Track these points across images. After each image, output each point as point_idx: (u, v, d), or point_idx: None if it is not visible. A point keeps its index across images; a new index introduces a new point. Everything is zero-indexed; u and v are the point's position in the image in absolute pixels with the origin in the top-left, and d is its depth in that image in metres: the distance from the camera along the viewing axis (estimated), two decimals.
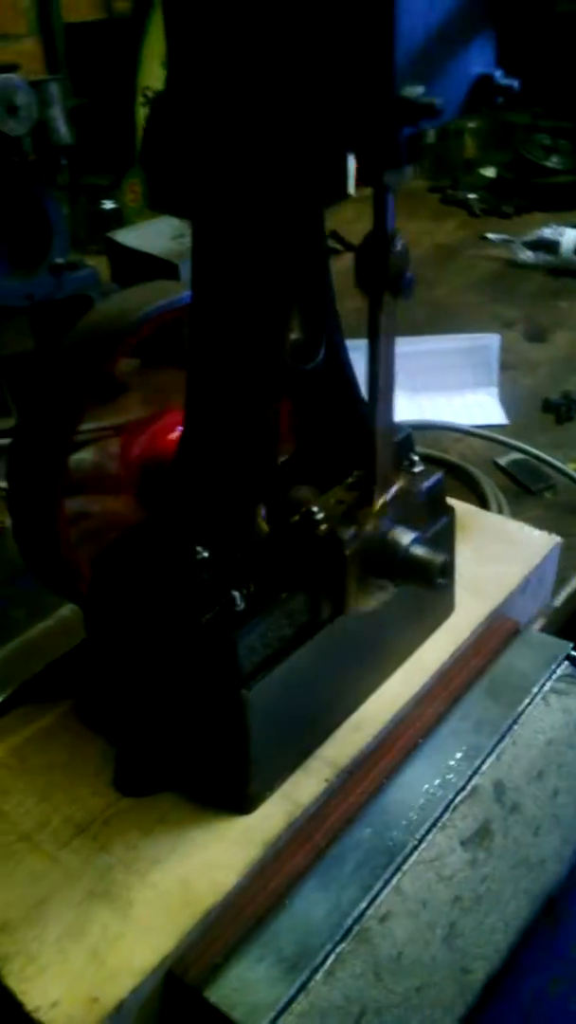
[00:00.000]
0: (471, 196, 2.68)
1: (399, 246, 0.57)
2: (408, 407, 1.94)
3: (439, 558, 0.66)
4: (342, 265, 2.45)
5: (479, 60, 0.52)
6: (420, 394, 2.00)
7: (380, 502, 0.66)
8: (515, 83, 0.52)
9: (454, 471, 1.69)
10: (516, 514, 1.54)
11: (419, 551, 0.67)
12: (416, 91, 0.47)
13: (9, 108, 1.57)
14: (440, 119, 0.47)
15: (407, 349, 2.04)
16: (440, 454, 1.73)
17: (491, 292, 2.31)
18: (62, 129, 1.69)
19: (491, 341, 1.98)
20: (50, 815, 0.71)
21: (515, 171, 2.69)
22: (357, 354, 1.93)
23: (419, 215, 2.69)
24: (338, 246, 2.47)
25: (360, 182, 0.54)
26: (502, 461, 1.71)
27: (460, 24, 0.49)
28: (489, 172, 2.77)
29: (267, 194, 0.58)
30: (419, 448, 1.70)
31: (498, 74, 0.52)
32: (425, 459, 1.66)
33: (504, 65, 0.53)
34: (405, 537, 0.67)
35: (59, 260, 1.79)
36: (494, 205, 2.64)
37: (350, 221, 2.67)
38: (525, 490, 1.62)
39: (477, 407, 1.95)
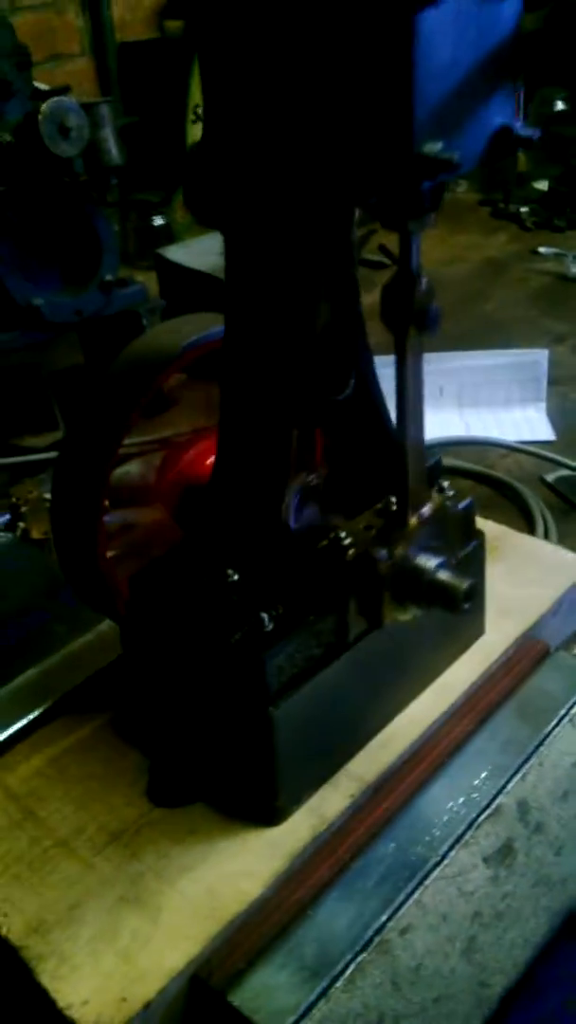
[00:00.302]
0: (523, 209, 2.68)
1: (424, 284, 0.59)
2: (456, 422, 1.96)
3: (464, 583, 0.68)
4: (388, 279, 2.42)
5: (500, 112, 0.54)
6: (467, 409, 2.02)
7: (413, 522, 0.68)
8: (534, 134, 0.54)
9: (500, 487, 1.70)
10: (562, 531, 1.55)
11: (444, 576, 0.69)
12: (435, 147, 0.49)
13: (61, 129, 1.62)
14: (458, 172, 0.50)
15: (455, 364, 2.07)
16: (486, 470, 1.75)
17: (542, 306, 2.31)
18: (113, 150, 1.73)
19: (539, 356, 1.98)
20: (86, 823, 0.75)
21: (568, 184, 2.68)
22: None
23: (469, 229, 2.70)
24: (386, 260, 2.49)
25: (384, 227, 0.56)
26: (549, 478, 1.71)
27: (481, 80, 0.52)
28: (541, 185, 2.76)
29: (297, 230, 0.61)
30: (465, 463, 1.73)
31: (518, 125, 0.54)
32: (471, 475, 1.68)
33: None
34: (431, 562, 0.69)
35: (108, 277, 1.83)
36: (546, 219, 2.64)
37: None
38: (572, 507, 1.62)
39: (525, 423, 1.96)
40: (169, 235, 2.33)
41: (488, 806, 0.77)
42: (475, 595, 0.68)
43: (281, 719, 0.69)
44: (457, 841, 0.74)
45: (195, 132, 2.38)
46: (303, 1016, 0.64)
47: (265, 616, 0.68)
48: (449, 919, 0.71)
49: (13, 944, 0.67)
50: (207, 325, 0.74)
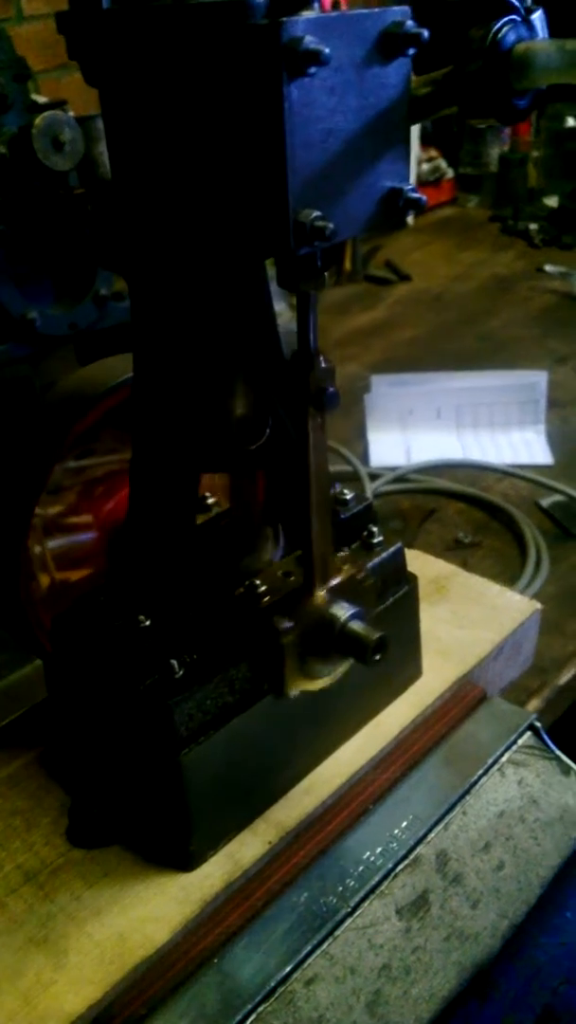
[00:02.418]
0: (532, 226, 2.67)
1: (323, 363, 0.59)
2: (453, 443, 1.95)
3: (375, 635, 0.68)
4: (398, 294, 2.48)
5: (388, 176, 0.54)
6: (465, 430, 2.01)
7: (319, 593, 0.68)
8: (423, 198, 0.54)
9: (494, 511, 1.70)
10: (555, 557, 1.54)
11: (356, 627, 0.69)
12: (310, 215, 0.49)
13: (55, 143, 1.62)
14: (333, 240, 0.49)
15: (454, 384, 2.06)
16: (480, 493, 1.74)
17: (546, 326, 2.30)
18: (108, 164, 1.73)
19: (539, 379, 1.97)
20: (4, 861, 0.75)
21: None
22: (401, 388, 1.94)
23: (477, 245, 2.70)
24: (392, 276, 2.49)
25: (280, 285, 0.56)
26: (544, 503, 1.70)
27: (365, 145, 0.51)
28: (552, 202, 2.75)
29: (200, 281, 0.61)
30: (460, 486, 1.72)
31: (408, 188, 0.54)
32: (465, 498, 1.67)
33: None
34: (343, 612, 0.69)
35: (103, 291, 1.84)
36: (555, 236, 2.62)
37: (407, 251, 2.69)
38: (566, 533, 1.61)
39: (523, 445, 1.95)
40: None
41: (406, 856, 0.76)
42: (386, 647, 0.67)
43: (191, 765, 0.69)
44: (371, 891, 0.74)
45: None
46: None
47: (175, 663, 0.68)
48: (356, 971, 0.70)
49: None
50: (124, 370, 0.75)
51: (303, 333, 0.58)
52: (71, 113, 1.68)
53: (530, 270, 2.53)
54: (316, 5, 0.48)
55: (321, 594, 0.67)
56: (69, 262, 1.84)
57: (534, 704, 1.20)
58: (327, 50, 0.46)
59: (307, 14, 0.48)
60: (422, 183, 2.81)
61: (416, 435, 1.98)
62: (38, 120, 1.63)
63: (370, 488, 1.72)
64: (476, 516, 1.71)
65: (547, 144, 2.74)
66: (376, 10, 0.50)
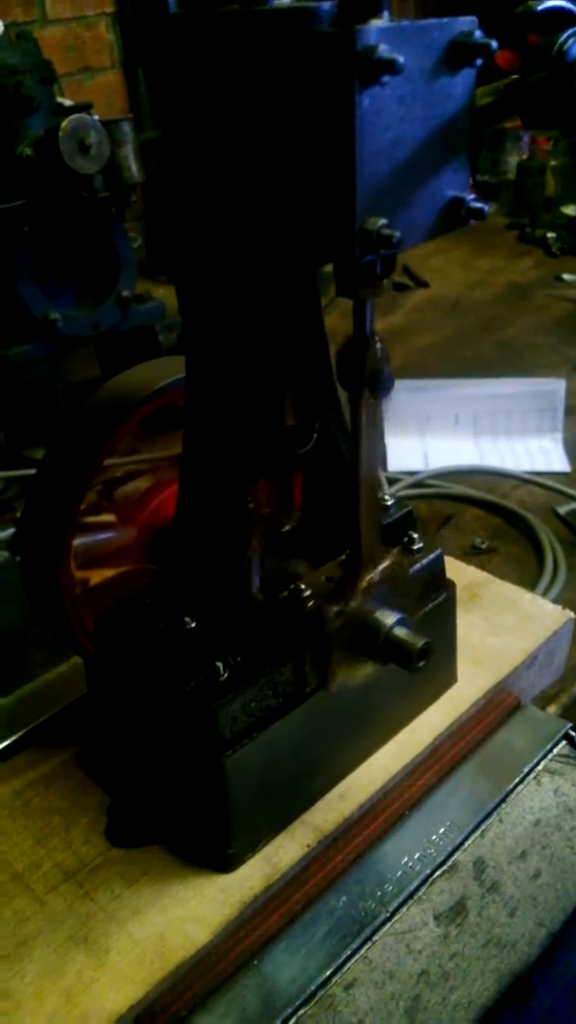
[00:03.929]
0: (550, 235, 2.67)
1: (377, 347, 0.60)
2: (470, 450, 1.95)
3: (420, 642, 0.68)
4: (415, 300, 2.48)
5: (451, 185, 0.54)
6: (483, 437, 2.01)
7: (364, 582, 0.68)
8: (485, 207, 0.54)
9: (512, 517, 1.70)
10: (572, 564, 1.54)
11: (401, 633, 0.69)
12: (377, 223, 0.49)
13: (81, 146, 1.63)
14: (399, 248, 0.50)
15: (471, 391, 2.07)
16: (498, 500, 1.74)
17: (563, 334, 2.30)
18: (133, 167, 1.74)
19: (557, 386, 1.97)
20: (43, 859, 0.76)
21: None
22: (419, 394, 1.94)
23: (494, 252, 2.70)
24: (409, 282, 2.49)
25: (339, 294, 0.56)
26: (561, 510, 1.70)
27: (430, 155, 0.52)
28: (569, 210, 2.75)
29: (257, 287, 0.61)
30: (477, 492, 1.72)
31: (470, 198, 0.54)
32: (483, 504, 1.67)
33: None
34: (389, 618, 0.69)
35: (126, 292, 1.85)
36: (572, 244, 2.63)
37: (424, 257, 2.69)
38: None
39: (540, 453, 1.95)
40: None
41: (444, 863, 0.76)
42: (430, 655, 0.67)
43: (234, 767, 0.69)
44: (409, 897, 0.74)
45: None
46: None
47: (220, 665, 0.68)
48: (395, 977, 0.70)
49: None
50: (173, 372, 0.75)
51: (359, 318, 0.58)
52: (96, 117, 1.69)
53: (548, 278, 2.53)
54: (386, 14, 0.48)
55: (366, 583, 0.67)
56: (92, 264, 1.85)
57: (551, 710, 1.20)
58: (401, 59, 0.46)
59: (377, 22, 0.48)
60: None
61: (434, 441, 1.99)
62: (64, 123, 1.64)
63: (388, 493, 1.72)
64: (493, 522, 1.71)
65: (566, 153, 2.75)
66: (445, 20, 0.50)
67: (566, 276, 2.48)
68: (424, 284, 2.50)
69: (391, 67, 0.46)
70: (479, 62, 0.52)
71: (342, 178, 0.48)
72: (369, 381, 0.60)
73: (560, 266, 2.55)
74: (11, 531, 1.58)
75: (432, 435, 2.00)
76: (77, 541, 0.80)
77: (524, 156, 2.85)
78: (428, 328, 2.34)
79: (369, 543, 0.68)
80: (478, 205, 0.54)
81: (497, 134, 2.78)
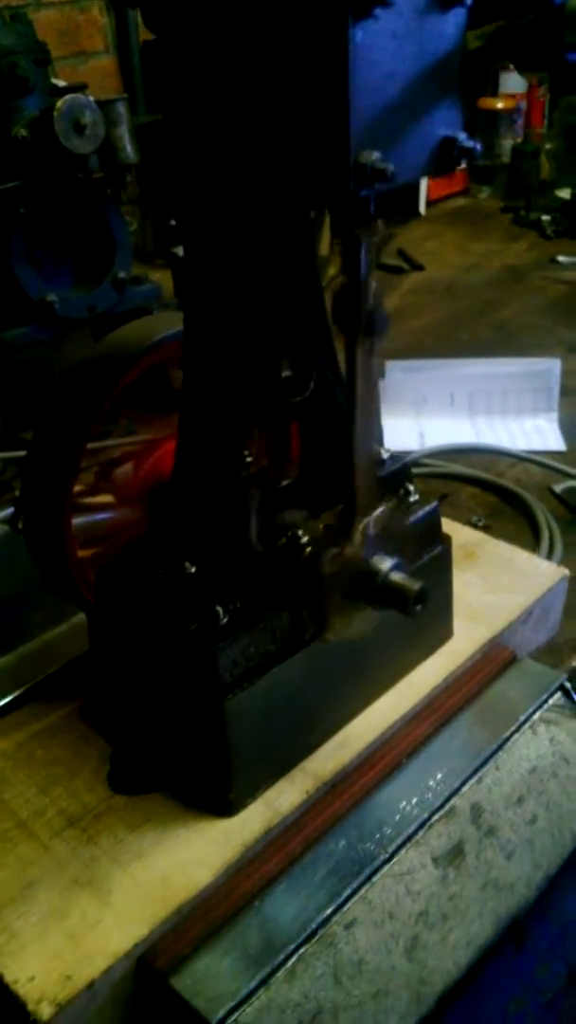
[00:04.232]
0: (544, 218, 2.68)
1: (372, 290, 0.61)
2: (466, 429, 1.96)
3: (416, 585, 0.69)
4: (410, 283, 2.48)
5: (443, 124, 0.55)
6: (478, 417, 2.02)
7: (358, 530, 0.70)
8: (477, 146, 0.55)
9: (507, 496, 1.71)
10: (568, 542, 1.55)
11: (397, 577, 0.70)
12: (371, 156, 0.50)
13: (76, 126, 1.64)
14: (394, 182, 0.51)
15: (466, 371, 2.08)
16: (494, 478, 1.75)
17: (558, 315, 2.31)
18: (128, 148, 1.75)
19: (552, 365, 1.97)
20: (46, 806, 0.77)
21: None
22: (415, 374, 1.94)
23: (490, 236, 2.71)
24: (404, 265, 2.50)
25: (335, 235, 0.57)
26: (557, 488, 1.71)
27: (422, 92, 0.53)
28: (564, 194, 2.76)
29: (253, 231, 0.62)
30: (473, 471, 1.73)
31: (462, 137, 0.55)
32: (478, 483, 1.67)
33: None
34: (384, 563, 0.70)
35: (122, 274, 1.86)
36: (567, 227, 2.63)
37: (419, 240, 2.70)
38: None
39: (536, 432, 1.96)
40: None
41: (441, 807, 0.78)
42: (427, 598, 0.69)
43: (234, 711, 0.71)
44: (408, 840, 0.75)
45: None
46: (242, 1003, 0.66)
47: (220, 609, 0.69)
48: (394, 916, 0.72)
49: None
50: (168, 325, 0.76)
51: (353, 266, 0.59)
52: (91, 97, 1.70)
53: (543, 260, 2.53)
54: None
55: (360, 535, 0.69)
56: (88, 246, 1.86)
57: None
58: None
59: None
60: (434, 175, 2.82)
61: (430, 421, 1.99)
62: (59, 103, 1.64)
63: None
64: (489, 500, 1.72)
65: (560, 136, 2.75)
66: None
67: (561, 258, 2.49)
68: (419, 267, 2.51)
69: (383, 0, 0.47)
70: (469, 2, 0.53)
71: (336, 111, 0.50)
72: (365, 323, 0.61)
73: (555, 248, 2.55)
74: (10, 510, 1.58)
75: (428, 415, 2.01)
76: (76, 521, 0.81)
77: (519, 140, 2.86)
78: (423, 311, 2.34)
79: (364, 490, 0.69)
80: (470, 144, 0.55)
81: (491, 117, 2.78)
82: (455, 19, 0.53)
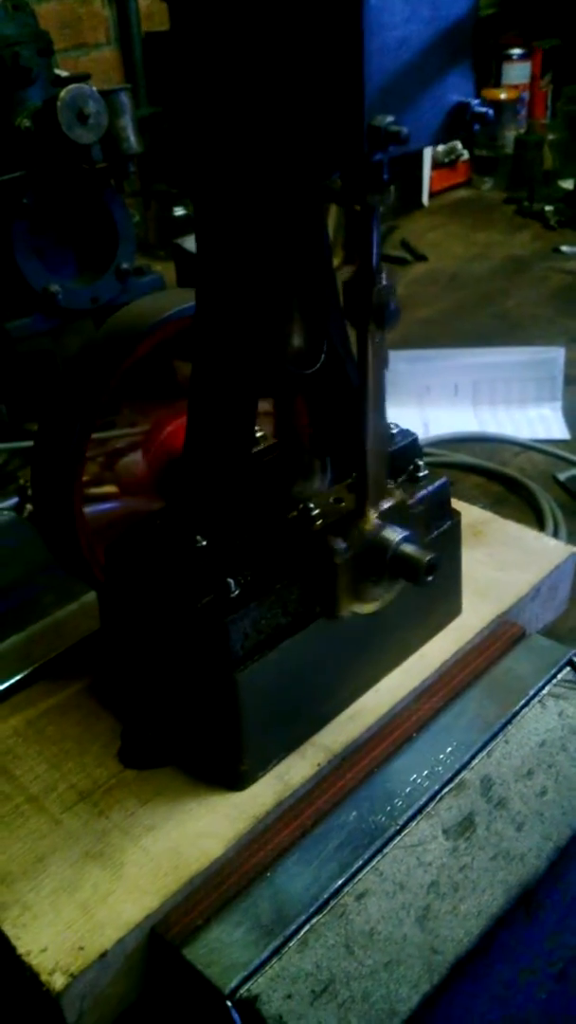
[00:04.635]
0: (547, 208, 2.68)
1: (384, 280, 0.61)
2: (470, 419, 1.97)
3: (427, 556, 0.69)
4: (414, 274, 2.48)
5: (456, 89, 0.55)
6: (482, 406, 2.02)
7: (371, 516, 0.70)
8: (490, 111, 0.55)
9: (512, 484, 1.71)
10: (572, 529, 1.55)
11: (408, 549, 0.70)
12: (385, 120, 0.50)
13: (79, 116, 1.64)
14: (409, 146, 0.51)
15: (470, 361, 2.08)
16: (498, 467, 1.75)
17: (561, 305, 2.31)
18: (131, 138, 1.75)
19: (556, 355, 1.98)
20: (57, 781, 0.77)
21: None
22: (418, 365, 1.95)
23: (493, 226, 2.71)
24: (408, 256, 2.50)
25: (344, 203, 0.57)
26: (561, 476, 1.71)
27: (436, 58, 0.53)
28: (567, 184, 2.76)
29: (264, 202, 0.62)
30: (478, 460, 1.74)
31: (475, 102, 0.56)
32: (483, 471, 1.68)
33: None
34: (395, 535, 0.70)
35: (125, 265, 1.86)
36: (570, 217, 2.64)
37: (422, 231, 2.70)
38: None
39: (540, 421, 1.96)
40: (190, 226, 2.35)
41: (451, 780, 0.78)
42: (437, 568, 0.69)
43: (246, 684, 0.71)
44: (418, 812, 0.76)
45: None
46: (254, 972, 0.66)
47: (231, 582, 0.69)
48: (405, 887, 0.72)
49: None
50: (173, 303, 0.76)
51: (365, 251, 0.60)
52: (94, 88, 1.70)
53: (546, 251, 2.54)
54: None
55: (373, 515, 0.69)
56: (91, 236, 1.86)
57: None
58: None
59: None
60: (437, 164, 2.83)
61: (434, 411, 2.00)
62: (63, 93, 1.64)
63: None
64: (494, 489, 1.72)
65: (563, 127, 2.76)
66: None
67: (564, 248, 2.49)
68: (423, 258, 2.51)
69: None
70: None
71: (350, 75, 0.50)
72: (375, 314, 0.61)
73: (558, 238, 2.56)
74: (14, 500, 1.59)
75: (432, 405, 2.01)
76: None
77: (522, 130, 2.86)
78: (427, 301, 2.35)
79: (375, 465, 0.69)
80: (482, 109, 0.55)
81: (494, 108, 2.78)
82: None
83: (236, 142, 0.58)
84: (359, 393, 0.65)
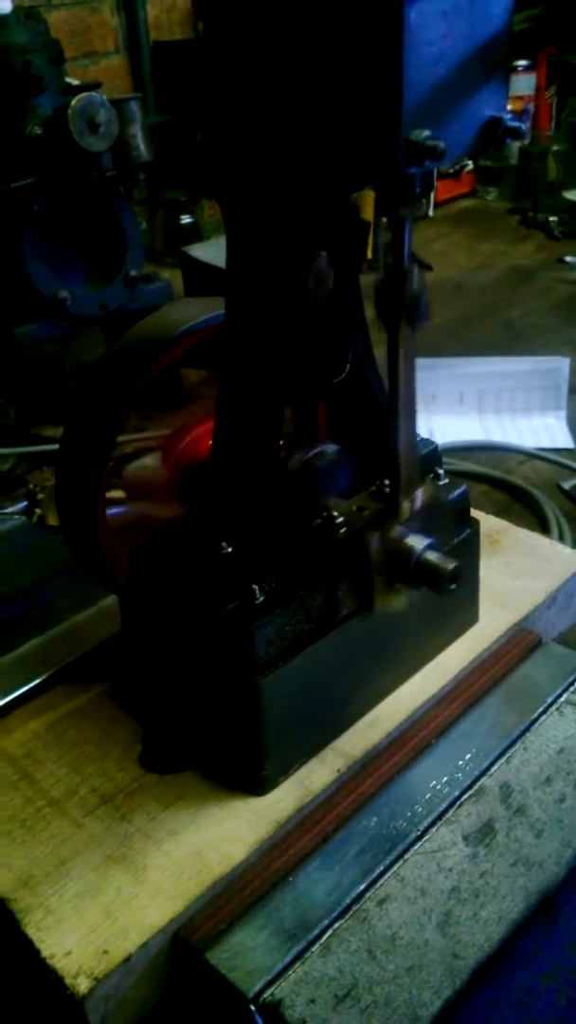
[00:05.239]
0: (552, 219, 2.70)
1: (415, 277, 0.62)
2: (475, 427, 1.97)
3: (451, 565, 0.70)
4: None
5: (489, 104, 0.56)
6: (487, 415, 2.03)
7: (405, 509, 0.70)
8: (522, 125, 0.56)
9: (517, 493, 1.72)
10: None
11: (432, 557, 0.71)
12: (422, 135, 0.51)
13: (90, 124, 1.65)
14: (444, 160, 0.52)
15: (476, 370, 2.09)
16: (503, 475, 1.76)
17: (566, 315, 2.32)
18: (141, 146, 1.76)
19: (561, 364, 1.99)
20: (78, 785, 0.78)
21: None
22: (424, 373, 1.96)
23: (497, 237, 2.72)
24: None
25: (379, 214, 0.58)
26: (566, 485, 1.72)
27: (471, 73, 0.54)
28: (571, 195, 2.78)
29: (294, 212, 0.63)
30: (483, 468, 1.74)
31: (508, 117, 0.56)
32: (488, 480, 1.68)
33: None
34: (419, 543, 0.71)
35: (133, 272, 1.87)
36: (574, 228, 2.65)
37: (427, 241, 2.71)
38: None
39: (544, 430, 1.97)
40: (197, 234, 2.36)
41: (471, 786, 0.78)
42: (460, 577, 0.69)
43: (269, 690, 0.71)
44: (438, 818, 0.76)
45: None
46: (278, 977, 0.66)
47: (256, 588, 0.70)
48: (427, 893, 0.72)
49: (2, 896, 0.70)
50: (212, 308, 0.77)
51: (397, 249, 0.60)
52: (104, 96, 1.71)
53: (550, 261, 2.55)
54: None
55: (407, 508, 0.69)
56: (101, 243, 1.87)
57: None
58: None
59: None
60: (441, 175, 2.84)
61: (439, 419, 2.01)
62: (74, 101, 1.66)
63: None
64: (498, 498, 1.73)
65: (567, 138, 2.77)
66: None
67: (568, 259, 2.50)
68: (428, 267, 2.52)
69: None
70: None
71: (389, 89, 0.51)
72: (407, 310, 0.62)
73: (562, 249, 2.57)
74: (23, 504, 1.60)
75: (437, 413, 2.02)
76: None
77: (526, 141, 2.88)
78: (432, 310, 2.35)
79: (408, 471, 0.70)
80: (515, 124, 0.56)
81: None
82: (504, 1, 0.54)
83: (270, 154, 0.59)
84: (391, 390, 0.66)
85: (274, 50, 0.55)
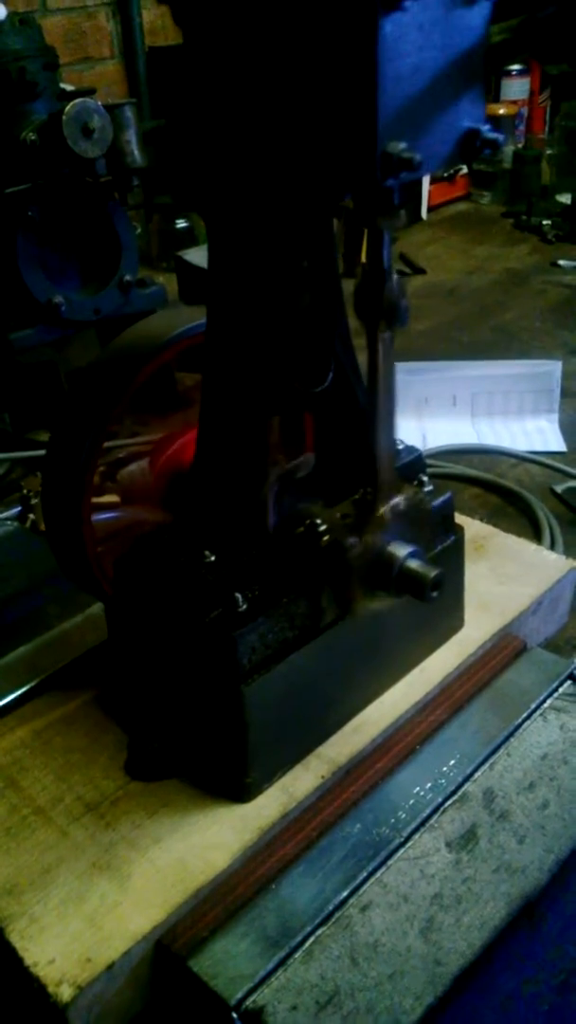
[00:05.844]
0: (545, 222, 2.70)
1: (394, 281, 0.62)
2: (467, 431, 1.98)
3: (432, 572, 0.70)
4: (413, 287, 2.48)
5: (467, 115, 0.56)
6: (480, 418, 2.03)
7: (381, 511, 0.71)
8: (500, 136, 0.56)
9: (509, 496, 1.72)
10: (568, 542, 1.56)
11: (414, 564, 0.71)
12: (398, 147, 0.52)
13: (84, 130, 1.65)
14: (420, 172, 0.52)
15: (469, 373, 2.09)
16: (496, 479, 1.76)
17: (559, 318, 2.33)
18: (135, 152, 1.76)
19: (553, 367, 1.99)
20: (64, 793, 0.78)
21: None
22: (417, 376, 1.96)
23: (491, 240, 2.72)
24: (407, 269, 2.51)
25: (358, 224, 0.58)
26: (558, 488, 1.72)
27: (448, 84, 0.54)
28: (565, 199, 2.78)
29: (274, 221, 0.64)
30: (475, 471, 1.75)
31: (485, 128, 0.57)
32: (480, 483, 1.69)
33: None
34: (402, 550, 0.71)
35: (128, 277, 1.87)
36: (568, 231, 2.65)
37: (421, 244, 2.72)
38: None
39: (537, 433, 1.97)
40: (192, 238, 2.37)
41: (454, 792, 0.79)
42: (442, 585, 0.70)
43: (252, 697, 0.72)
44: (422, 825, 0.76)
45: None
46: (260, 984, 0.66)
47: (239, 596, 0.70)
48: (409, 899, 0.72)
49: None
50: (200, 316, 0.77)
51: (375, 255, 0.61)
52: (99, 102, 1.71)
53: (544, 264, 2.55)
54: None
55: (381, 520, 0.70)
56: (95, 248, 1.87)
57: None
58: None
59: None
60: (435, 179, 2.85)
61: (432, 422, 2.01)
62: (68, 107, 1.66)
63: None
64: (491, 501, 1.73)
65: (561, 142, 2.78)
66: None
67: (562, 262, 2.51)
68: (421, 271, 2.52)
69: None
70: None
71: (364, 102, 0.51)
72: (386, 314, 0.62)
73: (556, 252, 2.57)
74: (17, 509, 1.60)
75: (430, 416, 2.02)
76: None
77: (520, 145, 2.88)
78: (426, 314, 2.36)
79: (386, 475, 0.70)
80: (493, 135, 0.56)
81: (492, 123, 2.80)
82: (480, 12, 0.54)
83: (248, 163, 0.59)
84: (369, 397, 0.66)
85: (251, 60, 0.56)
